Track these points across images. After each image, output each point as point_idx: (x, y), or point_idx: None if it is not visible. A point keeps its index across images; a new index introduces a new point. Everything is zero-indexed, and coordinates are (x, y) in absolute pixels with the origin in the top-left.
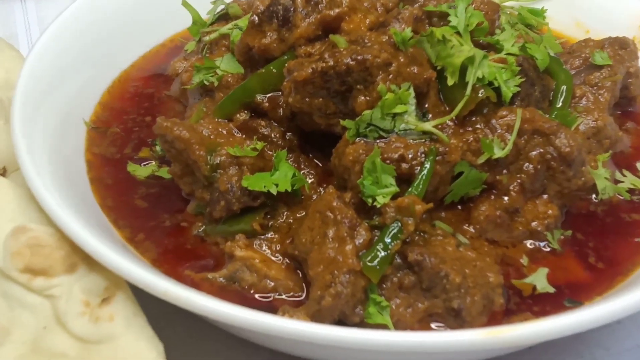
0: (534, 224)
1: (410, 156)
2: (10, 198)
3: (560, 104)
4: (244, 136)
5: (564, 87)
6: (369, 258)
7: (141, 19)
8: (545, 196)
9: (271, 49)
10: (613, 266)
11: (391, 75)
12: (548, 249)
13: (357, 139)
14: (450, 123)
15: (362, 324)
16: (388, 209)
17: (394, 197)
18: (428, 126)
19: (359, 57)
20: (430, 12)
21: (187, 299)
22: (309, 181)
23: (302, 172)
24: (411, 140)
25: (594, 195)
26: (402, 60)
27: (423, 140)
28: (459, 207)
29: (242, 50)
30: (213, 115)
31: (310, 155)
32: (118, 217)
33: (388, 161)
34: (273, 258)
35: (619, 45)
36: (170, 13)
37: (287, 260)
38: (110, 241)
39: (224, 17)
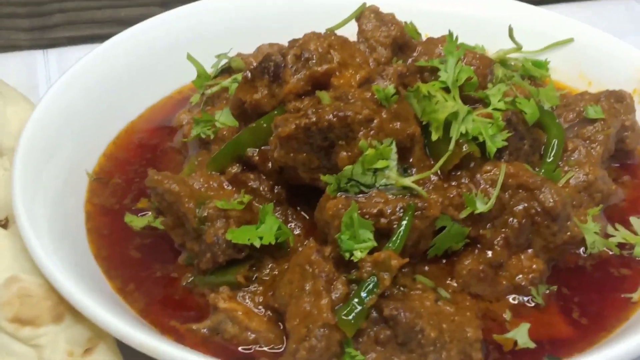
0: (518, 278)
1: (389, 211)
2: (7, 248)
3: (551, 158)
4: (234, 189)
5: (555, 141)
6: (344, 312)
7: (150, 71)
8: (530, 251)
9: (262, 104)
10: (597, 322)
11: (373, 131)
12: (532, 304)
13: (339, 193)
14: (435, 177)
15: None
16: (365, 264)
17: (373, 251)
18: (407, 181)
19: (340, 114)
20: (421, 67)
21: (162, 352)
22: (296, 233)
23: (289, 225)
24: (391, 196)
25: (582, 250)
26: (384, 116)
27: (403, 196)
28: (444, 261)
29: (235, 105)
30: (207, 168)
31: (298, 208)
32: (111, 268)
33: (367, 216)
34: (255, 310)
35: (615, 98)
36: (178, 65)
37: (269, 313)
38: (97, 292)
39: (227, 70)
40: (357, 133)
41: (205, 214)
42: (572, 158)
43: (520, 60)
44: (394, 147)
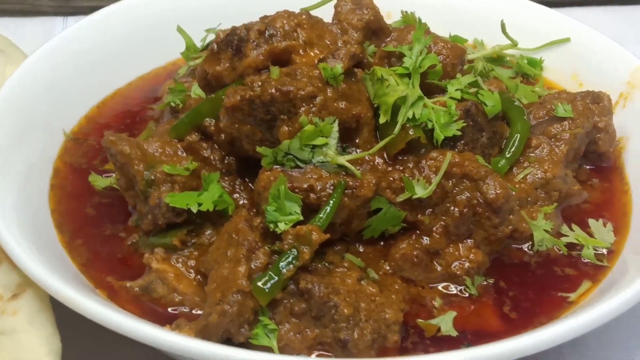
0: (454, 267)
1: (319, 187)
2: None
3: (510, 153)
4: (188, 156)
5: (517, 136)
6: (261, 281)
7: (146, 42)
8: (470, 241)
9: (223, 76)
10: (526, 318)
11: (315, 108)
12: (466, 294)
13: (275, 166)
14: (380, 160)
15: (247, 344)
16: (287, 236)
17: (300, 225)
18: (342, 160)
19: (283, 89)
20: (390, 53)
21: (74, 301)
22: (241, 203)
23: (235, 195)
24: (326, 173)
25: (530, 246)
26: (330, 94)
27: (338, 174)
28: (381, 243)
29: (201, 76)
30: (168, 135)
31: (247, 180)
32: (64, 222)
33: (297, 190)
34: (186, 273)
35: (592, 99)
36: (175, 38)
37: (199, 277)
38: (39, 243)
39: None
40: (299, 108)
41: (153, 177)
42: (533, 154)
43: (517, 57)
44: (335, 126)
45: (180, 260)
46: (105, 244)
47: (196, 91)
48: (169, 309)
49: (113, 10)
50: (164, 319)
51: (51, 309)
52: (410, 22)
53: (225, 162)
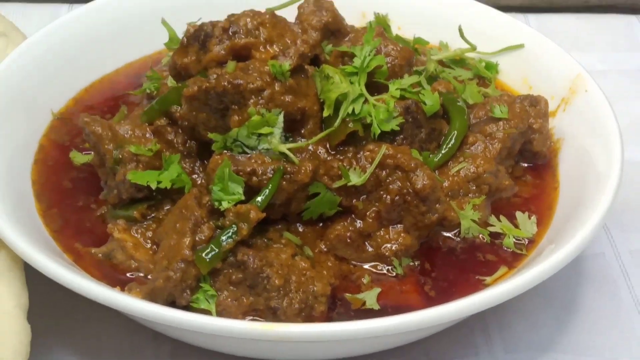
0: (383, 248)
1: (260, 171)
2: None
3: (446, 149)
4: (154, 139)
5: (454, 133)
6: (203, 252)
7: (136, 31)
8: (400, 226)
9: (190, 68)
10: (443, 296)
11: (262, 100)
12: (394, 273)
13: (225, 151)
14: (323, 149)
15: (189, 308)
16: (229, 213)
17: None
18: (283, 148)
19: (234, 81)
20: (343, 52)
21: (34, 260)
22: (199, 183)
23: (194, 175)
24: (268, 159)
25: (457, 232)
26: (277, 89)
27: (279, 160)
28: (320, 224)
29: (172, 67)
30: (140, 119)
31: (206, 162)
32: (42, 192)
33: (240, 173)
34: (144, 243)
35: (530, 102)
36: (162, 28)
37: (155, 247)
38: (17, 209)
39: None
40: (248, 100)
41: (120, 156)
42: (469, 150)
43: (476, 60)
44: (280, 117)
45: (139, 231)
46: (77, 213)
47: (171, 80)
48: (128, 274)
49: (107, 2)
50: (121, 283)
51: (22, 269)
52: (382, 24)
53: (187, 145)
